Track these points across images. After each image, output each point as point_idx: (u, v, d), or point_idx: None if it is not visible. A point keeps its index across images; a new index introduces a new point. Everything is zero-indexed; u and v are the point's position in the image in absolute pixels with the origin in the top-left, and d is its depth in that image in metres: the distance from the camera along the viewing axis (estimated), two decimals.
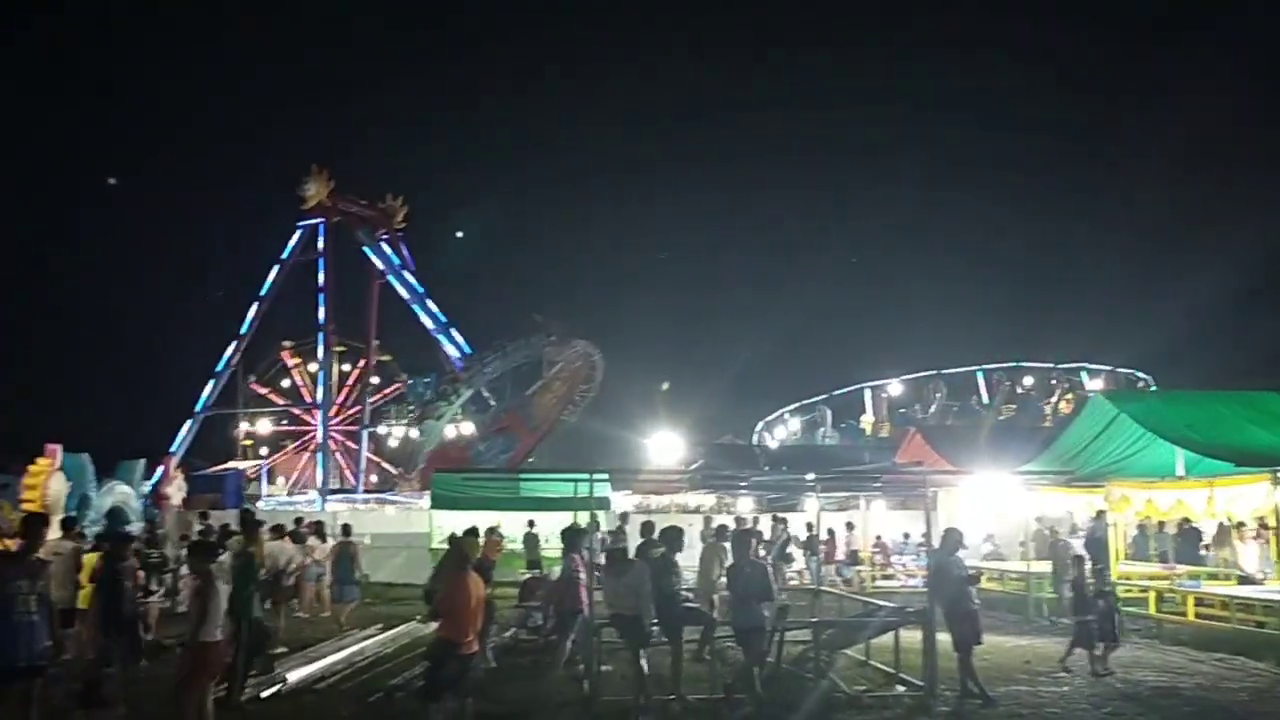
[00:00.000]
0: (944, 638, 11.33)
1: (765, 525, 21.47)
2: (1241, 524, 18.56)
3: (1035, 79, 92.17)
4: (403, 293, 51.75)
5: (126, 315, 67.20)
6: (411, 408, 47.59)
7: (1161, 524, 20.59)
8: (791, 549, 21.66)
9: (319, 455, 49.36)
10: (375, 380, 54.19)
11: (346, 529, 18.17)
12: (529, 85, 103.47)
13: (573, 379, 45.69)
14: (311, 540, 18.22)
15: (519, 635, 14.91)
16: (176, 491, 31.89)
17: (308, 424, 53.79)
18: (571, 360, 45.55)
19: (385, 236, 52.51)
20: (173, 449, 46.72)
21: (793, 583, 20.57)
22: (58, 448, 24.39)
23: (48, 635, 8.18)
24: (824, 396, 51.66)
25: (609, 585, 11.00)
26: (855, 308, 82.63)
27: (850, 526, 24.38)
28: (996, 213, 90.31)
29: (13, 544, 9.19)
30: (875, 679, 12.15)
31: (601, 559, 12.15)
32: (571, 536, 12.86)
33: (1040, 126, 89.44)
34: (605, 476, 12.97)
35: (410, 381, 52.21)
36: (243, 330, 50.34)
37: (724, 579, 12.31)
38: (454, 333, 51.10)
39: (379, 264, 52.16)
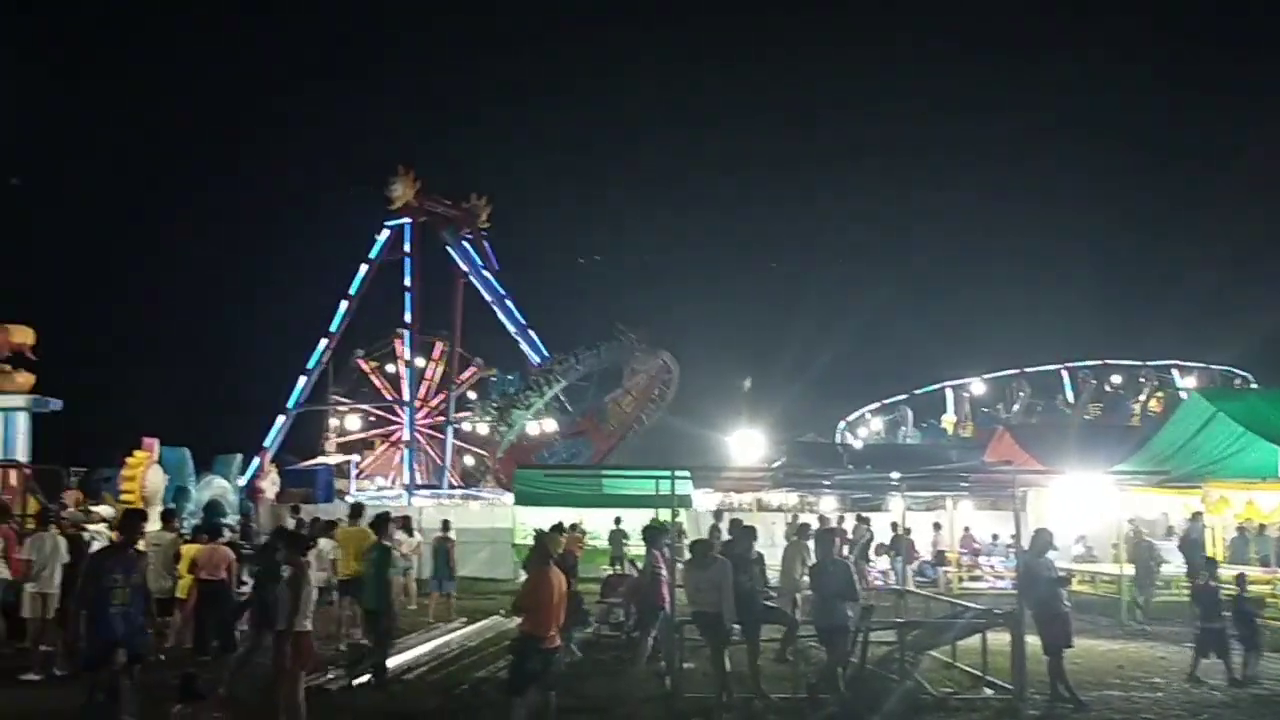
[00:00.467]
0: (1033, 640, 11.11)
1: (849, 525, 21.31)
2: None
3: (1127, 76, 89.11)
4: (484, 294, 52.37)
5: (221, 314, 68.95)
6: (495, 403, 48.07)
7: (1263, 527, 19.94)
8: (871, 552, 21.44)
9: (406, 451, 50.24)
10: (462, 378, 54.92)
11: (446, 524, 18.48)
12: (619, 84, 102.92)
13: (649, 387, 45.94)
14: (399, 535, 18.57)
15: (600, 630, 15.03)
16: (270, 485, 32.74)
17: (394, 420, 54.73)
18: (651, 370, 45.81)
19: (469, 236, 53.10)
20: (266, 444, 47.94)
21: (877, 583, 20.35)
22: (155, 441, 24.93)
23: (147, 623, 8.51)
24: (905, 396, 50.81)
25: (691, 580, 10.96)
26: (936, 306, 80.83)
27: (937, 527, 24.02)
28: (1083, 207, 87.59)
29: (115, 535, 9.63)
30: (962, 681, 12.00)
31: (687, 554, 12.14)
32: (653, 534, 12.92)
33: (1131, 120, 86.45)
34: (687, 474, 13.00)
35: (494, 378, 52.80)
36: (332, 328, 51.39)
37: (807, 578, 12.26)
38: (532, 333, 51.60)
39: (462, 264, 52.80)
